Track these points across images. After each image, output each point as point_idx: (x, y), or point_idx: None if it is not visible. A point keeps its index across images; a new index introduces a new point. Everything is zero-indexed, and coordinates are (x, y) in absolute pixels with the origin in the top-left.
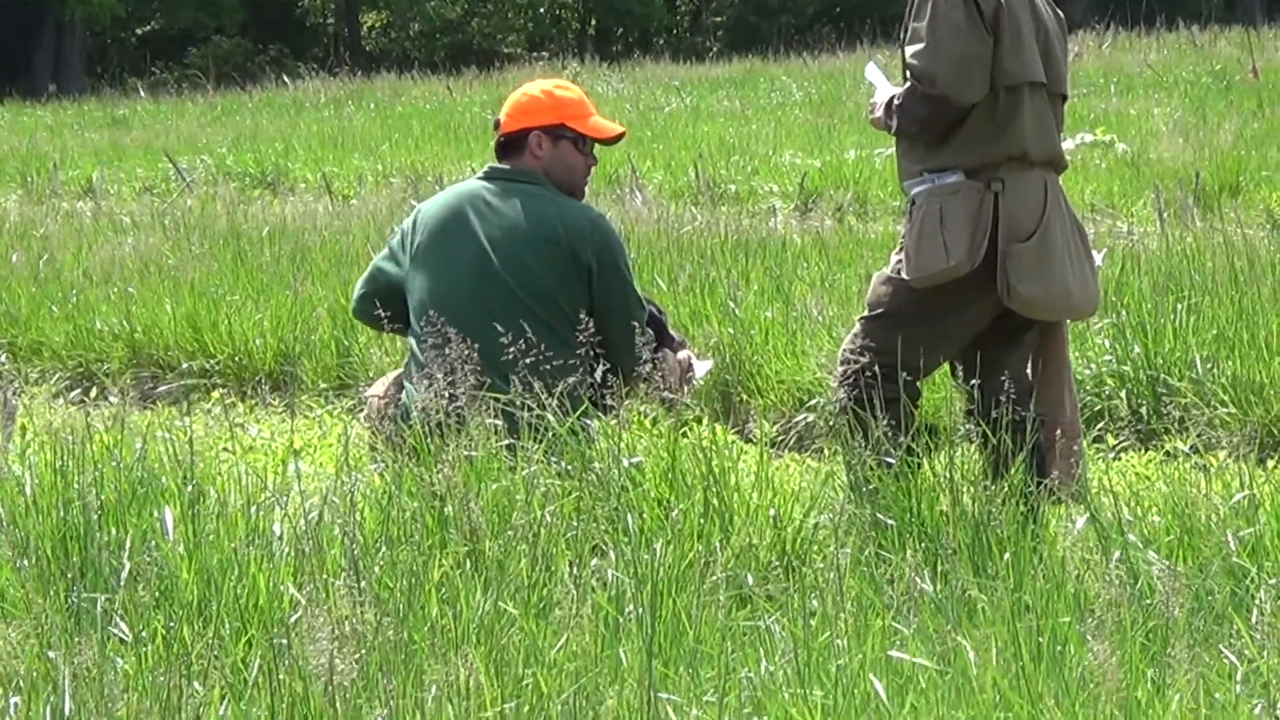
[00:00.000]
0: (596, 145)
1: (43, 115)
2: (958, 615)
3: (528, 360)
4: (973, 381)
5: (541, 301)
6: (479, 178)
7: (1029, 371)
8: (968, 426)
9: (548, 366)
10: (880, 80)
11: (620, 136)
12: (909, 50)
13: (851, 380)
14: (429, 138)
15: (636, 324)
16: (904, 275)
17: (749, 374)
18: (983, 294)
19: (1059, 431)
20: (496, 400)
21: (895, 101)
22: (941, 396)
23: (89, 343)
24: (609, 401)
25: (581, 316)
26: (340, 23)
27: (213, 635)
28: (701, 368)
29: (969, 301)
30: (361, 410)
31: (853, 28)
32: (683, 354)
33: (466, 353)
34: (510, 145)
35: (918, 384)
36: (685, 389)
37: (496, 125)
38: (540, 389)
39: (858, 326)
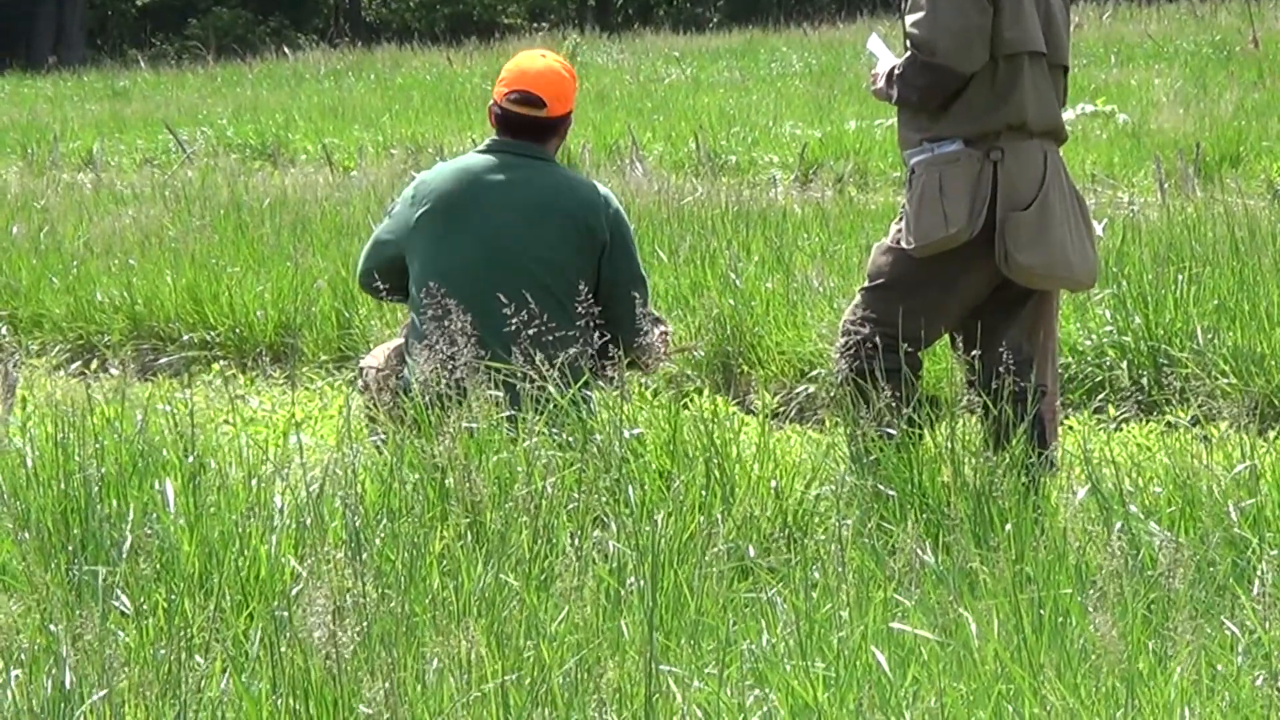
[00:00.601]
0: None
1: (43, 87)
2: (959, 587)
3: (530, 331)
4: (973, 352)
5: (552, 273)
6: (481, 151)
7: (1026, 341)
8: (969, 397)
9: (550, 338)
10: (882, 51)
11: None
12: (909, 19)
13: (853, 351)
14: (429, 109)
15: (639, 297)
16: (904, 244)
17: (750, 345)
18: (982, 262)
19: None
20: (498, 371)
21: (896, 71)
22: (943, 368)
23: (90, 315)
24: (609, 372)
25: (582, 288)
26: None
27: (214, 608)
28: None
29: (968, 270)
30: (359, 381)
31: None
32: (659, 330)
33: (464, 324)
34: (545, 127)
35: (919, 355)
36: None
37: (538, 105)
38: (542, 360)
39: (858, 297)
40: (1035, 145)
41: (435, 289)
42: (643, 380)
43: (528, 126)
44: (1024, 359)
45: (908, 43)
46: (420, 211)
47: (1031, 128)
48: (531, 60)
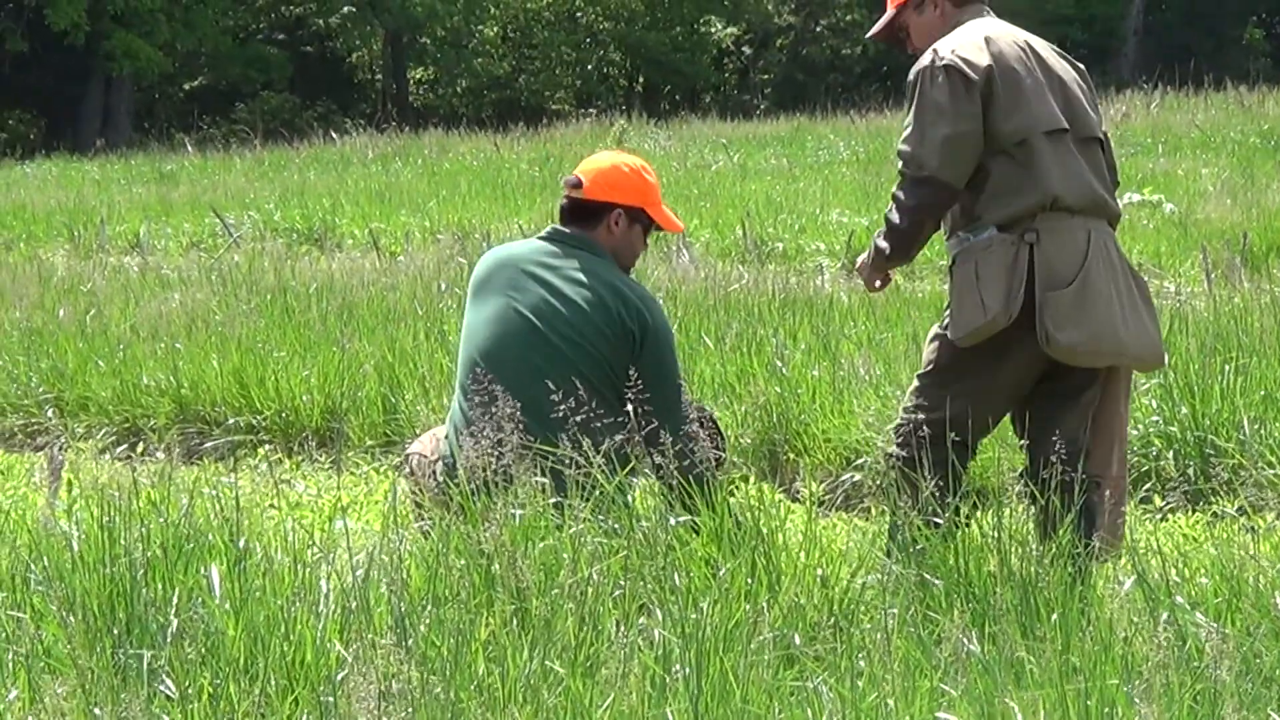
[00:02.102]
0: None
1: (90, 170)
2: (1005, 677)
3: (577, 418)
4: (1022, 441)
5: (590, 365)
6: (540, 238)
7: (1084, 432)
8: (1016, 487)
9: (598, 424)
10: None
11: (680, 231)
12: (900, 140)
13: (902, 439)
14: (476, 194)
15: (677, 389)
16: (949, 334)
17: (796, 433)
18: (1024, 346)
19: (1099, 484)
20: (544, 458)
21: (889, 209)
22: (989, 457)
23: (136, 398)
24: (658, 460)
25: (631, 374)
26: (388, 79)
27: (259, 693)
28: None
29: (1011, 355)
30: (404, 467)
31: (899, 86)
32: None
33: (512, 411)
34: (587, 212)
35: (968, 443)
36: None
37: (576, 185)
38: (588, 447)
39: (914, 383)
40: (1077, 224)
41: (483, 374)
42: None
43: (568, 209)
44: (1077, 449)
45: (899, 163)
46: (471, 294)
47: (1067, 204)
48: (598, 155)
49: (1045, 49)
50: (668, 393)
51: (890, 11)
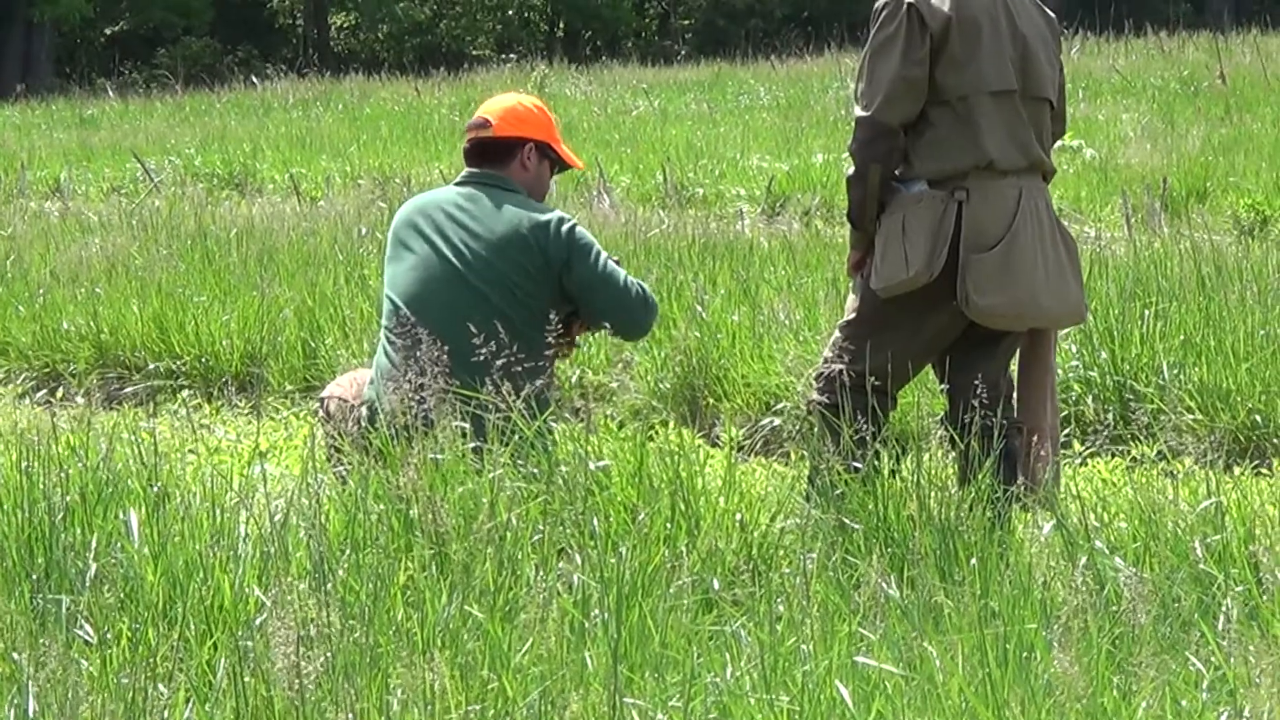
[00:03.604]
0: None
1: (10, 115)
2: (924, 621)
3: (499, 362)
4: (943, 386)
5: (514, 306)
6: (457, 184)
7: (1004, 376)
8: (937, 432)
9: (519, 369)
10: None
11: (580, 169)
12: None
13: (824, 384)
14: (397, 139)
15: (623, 285)
16: (871, 284)
17: (715, 378)
18: (946, 303)
19: (1035, 437)
20: (465, 403)
21: None
22: (909, 401)
23: (55, 343)
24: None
25: (551, 317)
26: (309, 24)
27: (178, 637)
28: None
29: (933, 311)
30: (319, 411)
31: (820, 32)
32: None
33: (438, 354)
34: (498, 150)
35: (889, 391)
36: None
37: (484, 125)
38: (509, 391)
39: (837, 332)
40: (1008, 184)
41: (407, 318)
42: (608, 413)
43: (477, 149)
44: (997, 394)
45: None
46: (392, 241)
47: (1000, 166)
48: (494, 98)
49: None
50: (618, 290)
51: None
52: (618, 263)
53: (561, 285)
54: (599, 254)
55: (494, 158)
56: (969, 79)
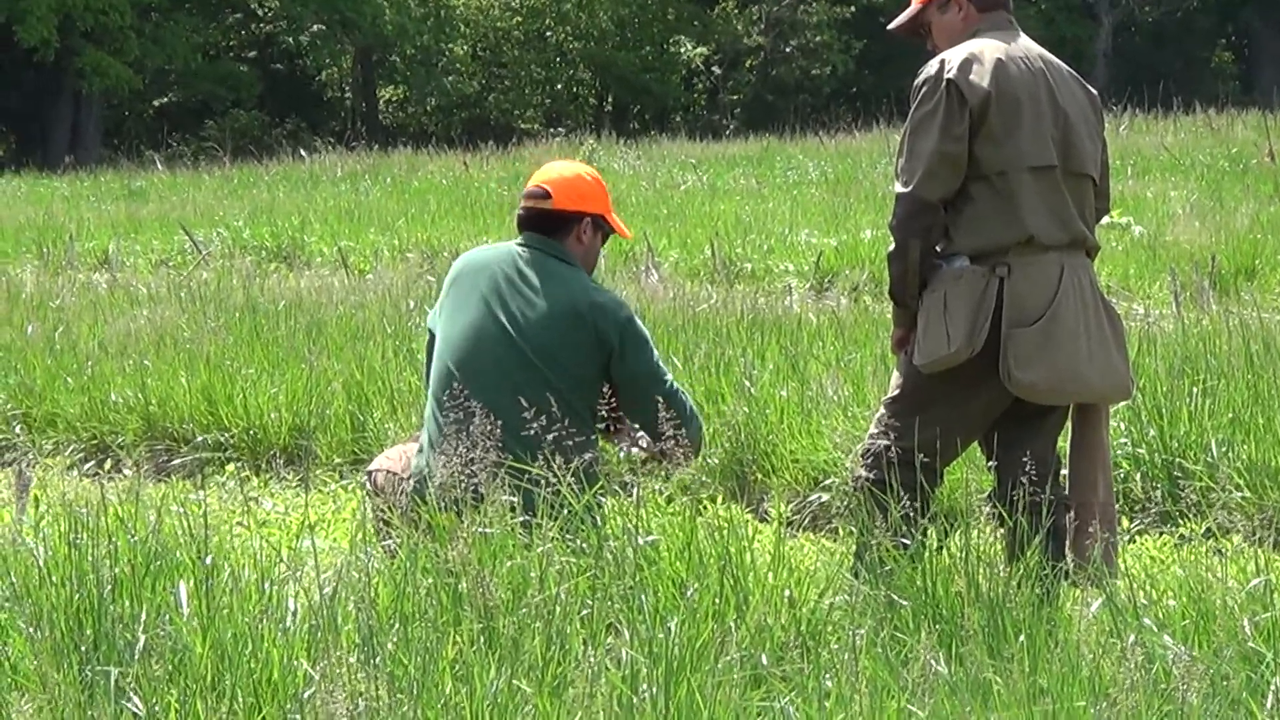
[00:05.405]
0: None
1: (59, 186)
2: (973, 699)
3: (549, 435)
4: (990, 463)
5: (564, 379)
6: (518, 244)
7: (1052, 453)
8: (984, 509)
9: (570, 443)
10: None
11: (628, 238)
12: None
13: (871, 461)
14: (445, 213)
15: (661, 399)
16: (914, 360)
17: (764, 453)
18: (990, 379)
19: (1084, 513)
20: (515, 477)
21: None
22: (957, 478)
23: (104, 415)
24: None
25: (604, 390)
26: (357, 97)
27: (226, 711)
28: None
29: (977, 386)
30: (367, 484)
31: (869, 107)
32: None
33: (490, 428)
34: (555, 221)
35: (936, 468)
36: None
37: (544, 195)
38: (561, 465)
39: (882, 408)
40: (1050, 259)
41: (459, 390)
42: (657, 488)
43: (534, 218)
44: (1045, 470)
45: None
46: (444, 292)
47: (1041, 242)
48: (552, 165)
49: (1061, 74)
50: (663, 388)
51: (915, 8)
52: (669, 378)
53: (608, 371)
54: (653, 351)
55: (550, 228)
56: (1008, 154)
